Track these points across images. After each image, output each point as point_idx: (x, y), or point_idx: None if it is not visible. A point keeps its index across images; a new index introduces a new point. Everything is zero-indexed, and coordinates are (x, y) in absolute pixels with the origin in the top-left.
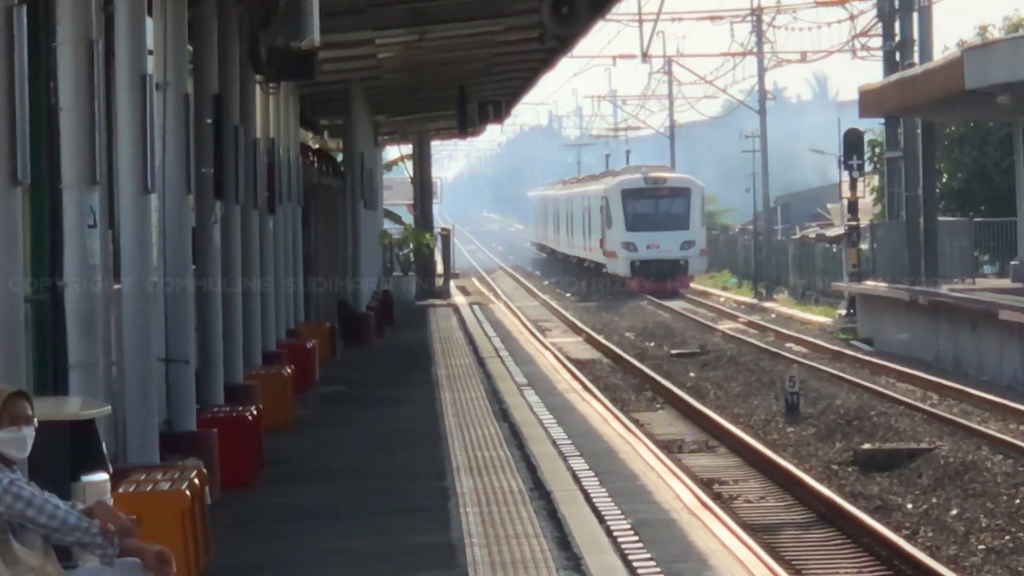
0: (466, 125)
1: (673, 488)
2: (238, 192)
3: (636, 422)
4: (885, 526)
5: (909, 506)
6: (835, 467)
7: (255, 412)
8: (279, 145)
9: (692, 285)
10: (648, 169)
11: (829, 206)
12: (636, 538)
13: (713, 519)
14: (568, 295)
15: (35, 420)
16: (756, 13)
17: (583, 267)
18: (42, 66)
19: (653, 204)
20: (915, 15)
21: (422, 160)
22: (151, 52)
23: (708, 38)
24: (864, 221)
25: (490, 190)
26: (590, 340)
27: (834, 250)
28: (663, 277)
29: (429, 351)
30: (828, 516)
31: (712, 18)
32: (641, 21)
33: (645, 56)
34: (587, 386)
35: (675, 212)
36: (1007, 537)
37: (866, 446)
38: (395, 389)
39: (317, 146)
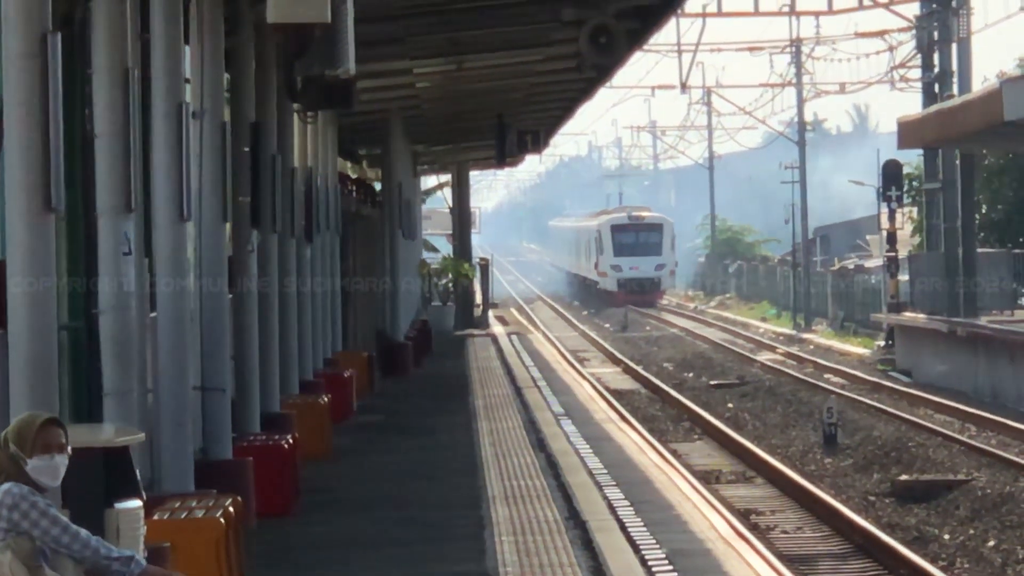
0: (505, 155)
1: (709, 518)
2: (275, 221)
3: (673, 452)
4: (922, 557)
5: (946, 537)
6: (872, 498)
7: (292, 441)
8: (317, 174)
9: (728, 315)
10: (632, 209)
11: (868, 237)
12: (671, 568)
13: (749, 550)
14: (607, 326)
15: (69, 448)
16: (795, 44)
17: (586, 284)
18: (78, 93)
19: (634, 236)
20: (954, 46)
21: (461, 190)
22: (188, 80)
23: (747, 69)
24: (903, 252)
25: (530, 220)
26: (628, 370)
27: (873, 281)
28: (642, 292)
29: (467, 381)
30: (865, 547)
31: (751, 49)
32: (680, 51)
33: (684, 87)
34: (624, 416)
35: (651, 242)
36: None
37: (904, 477)
38: (432, 419)
39: (356, 175)
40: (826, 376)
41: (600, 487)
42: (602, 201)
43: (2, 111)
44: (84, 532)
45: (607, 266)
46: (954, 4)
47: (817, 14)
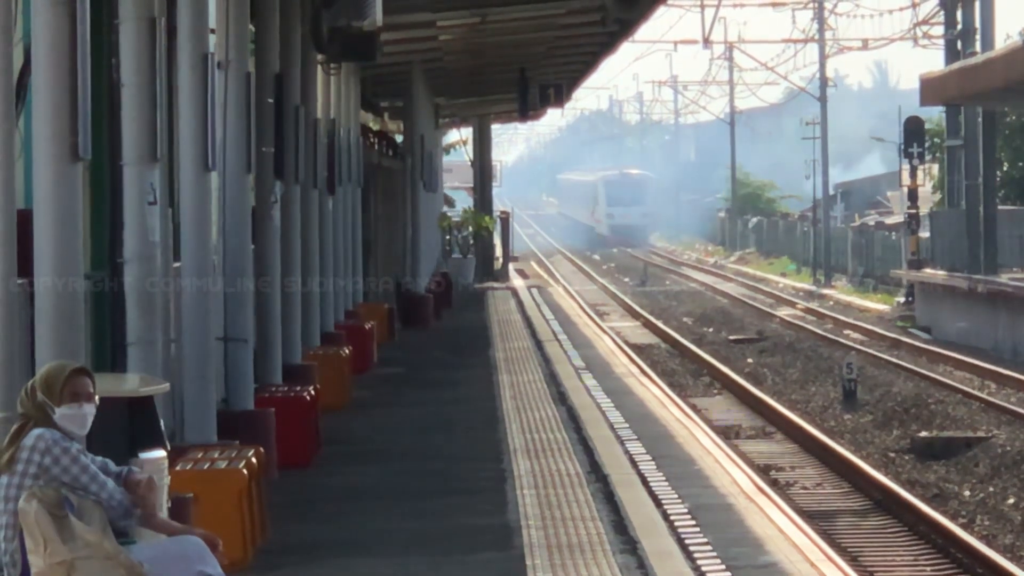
0: (526, 108)
1: (730, 473)
2: (298, 172)
3: (693, 407)
4: (942, 514)
5: (966, 494)
6: (892, 455)
7: (313, 392)
8: (340, 126)
9: (748, 270)
10: (622, 167)
11: (889, 194)
12: (693, 522)
13: (770, 504)
14: (626, 280)
15: (96, 397)
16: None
17: (585, 228)
18: (104, 43)
19: (623, 189)
20: (977, 3)
21: (482, 143)
22: (213, 30)
23: (770, 24)
24: (924, 209)
25: (550, 174)
26: (648, 325)
27: (893, 238)
28: (629, 235)
29: (487, 333)
30: (884, 503)
31: (774, 4)
32: (703, 6)
33: (707, 42)
34: (645, 370)
35: (637, 194)
36: None
37: (923, 434)
38: (453, 371)
39: (378, 128)
40: (845, 332)
41: (621, 441)
42: (622, 156)
43: (30, 59)
44: (110, 483)
45: (602, 214)
46: None
47: None
